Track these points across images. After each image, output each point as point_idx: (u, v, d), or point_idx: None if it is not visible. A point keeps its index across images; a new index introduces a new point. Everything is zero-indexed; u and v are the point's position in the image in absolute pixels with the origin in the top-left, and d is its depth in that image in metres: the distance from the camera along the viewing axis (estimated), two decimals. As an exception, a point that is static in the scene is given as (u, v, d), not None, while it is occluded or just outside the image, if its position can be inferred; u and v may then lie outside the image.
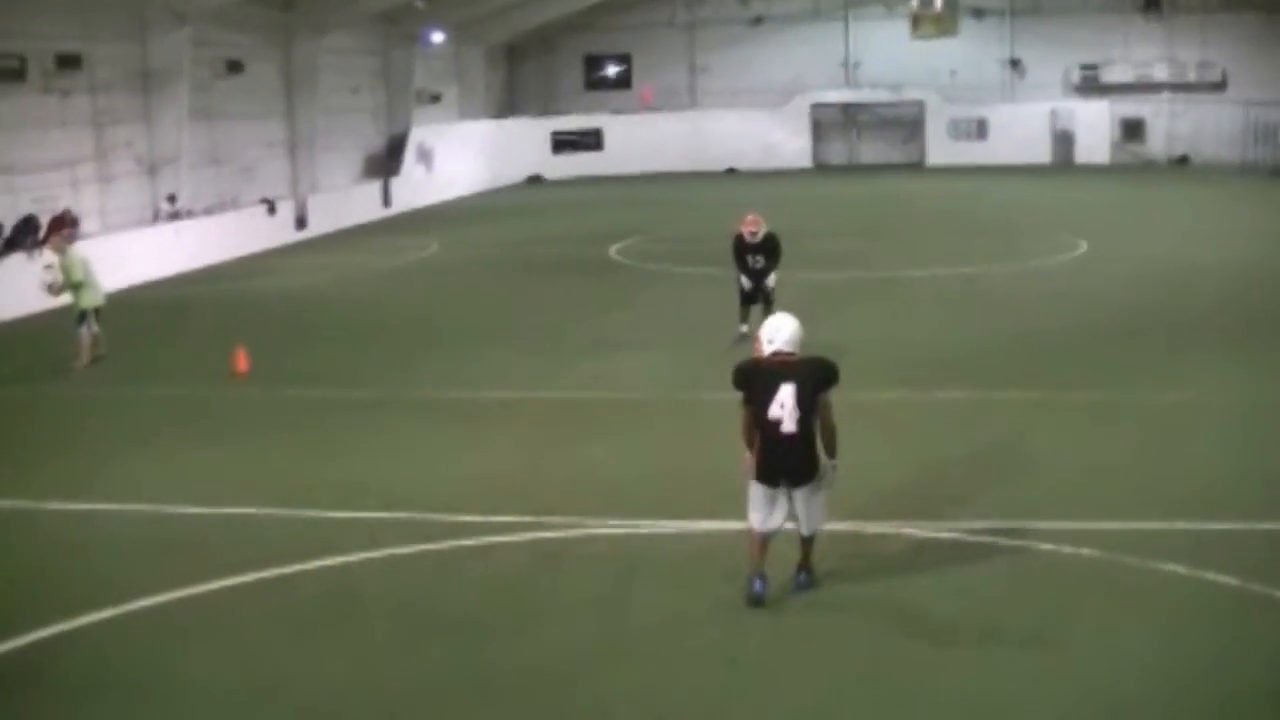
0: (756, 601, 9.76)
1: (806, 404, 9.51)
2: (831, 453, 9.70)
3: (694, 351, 20.06)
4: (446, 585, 10.63)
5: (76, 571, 11.31)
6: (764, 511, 9.83)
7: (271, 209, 37.46)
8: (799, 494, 9.72)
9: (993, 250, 30.73)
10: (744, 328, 19.83)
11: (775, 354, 9.73)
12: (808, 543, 10.07)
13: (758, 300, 19.88)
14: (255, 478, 14.03)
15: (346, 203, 42.88)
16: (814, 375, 9.63)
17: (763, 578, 9.87)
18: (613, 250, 32.84)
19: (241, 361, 19.30)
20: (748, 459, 9.78)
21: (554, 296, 26.37)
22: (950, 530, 11.41)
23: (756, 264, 19.95)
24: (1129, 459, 13.72)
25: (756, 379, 9.69)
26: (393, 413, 16.81)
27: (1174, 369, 18.03)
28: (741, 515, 10.19)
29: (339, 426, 16.18)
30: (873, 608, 9.88)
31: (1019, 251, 30.27)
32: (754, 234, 19.91)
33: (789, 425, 9.50)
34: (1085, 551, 10.77)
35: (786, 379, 9.56)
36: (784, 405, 9.49)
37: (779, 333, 9.79)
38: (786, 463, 9.63)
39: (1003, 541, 11.10)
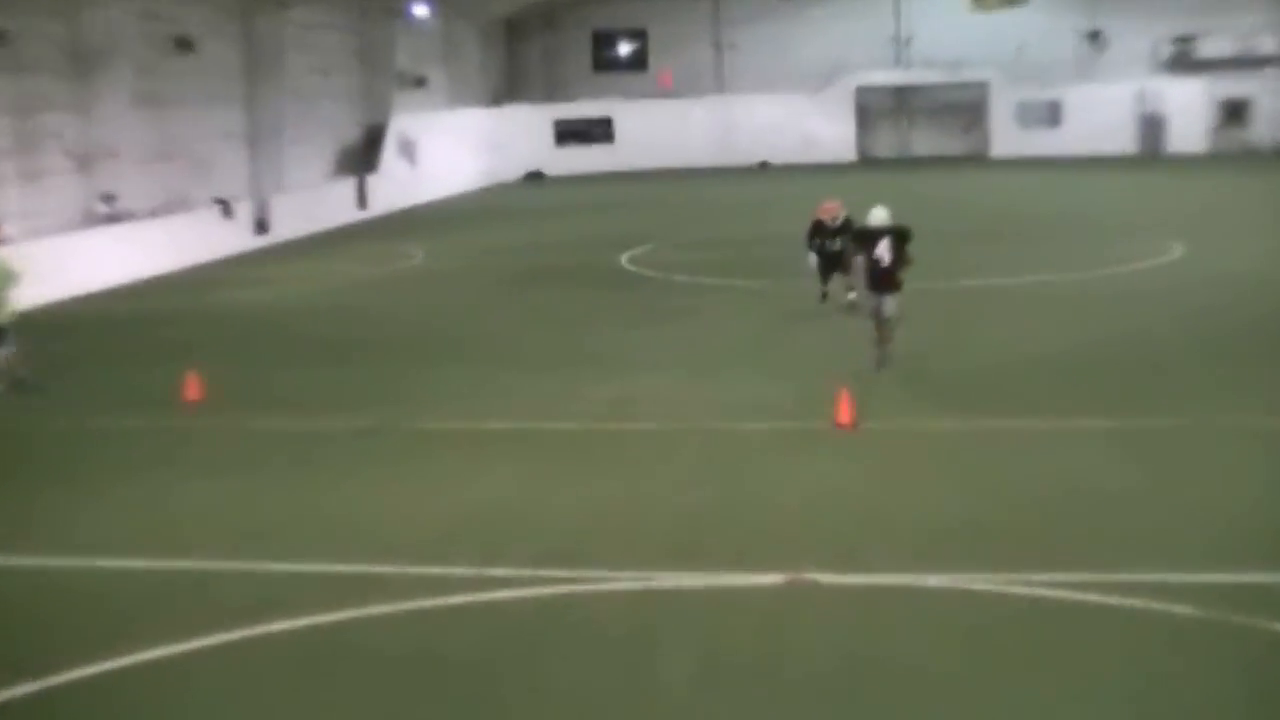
0: (880, 366, 19.41)
1: (895, 249, 19.40)
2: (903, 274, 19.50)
3: (721, 376, 20.05)
4: (443, 644, 10.58)
5: None
6: (873, 305, 19.68)
7: (228, 210, 37.60)
8: (887, 298, 19.40)
9: (1068, 256, 30.68)
10: (826, 289, 24.70)
11: (881, 227, 19.61)
12: (889, 325, 19.60)
13: (835, 270, 24.40)
14: (213, 524, 13.99)
15: (315, 203, 43.05)
16: (899, 233, 19.59)
17: (883, 351, 19.55)
18: (625, 258, 32.86)
19: (193, 388, 19.32)
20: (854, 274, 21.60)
21: (558, 313, 26.38)
22: (1021, 584, 11.33)
23: (833, 248, 24.15)
24: (1230, 497, 13.60)
25: (869, 235, 19.73)
26: (376, 447, 16.79)
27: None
28: (773, 565, 10.20)
29: (313, 463, 16.17)
30: (927, 676, 9.80)
31: (1100, 257, 30.22)
32: (834, 219, 24.29)
33: (885, 261, 19.41)
34: (1179, 609, 10.67)
35: (884, 235, 19.50)
36: (883, 249, 19.38)
37: (877, 219, 19.72)
38: (882, 282, 19.47)
39: (1082, 597, 11.02)
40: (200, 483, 15.52)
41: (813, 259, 24.49)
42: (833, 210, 24.38)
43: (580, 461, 15.83)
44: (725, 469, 15.19)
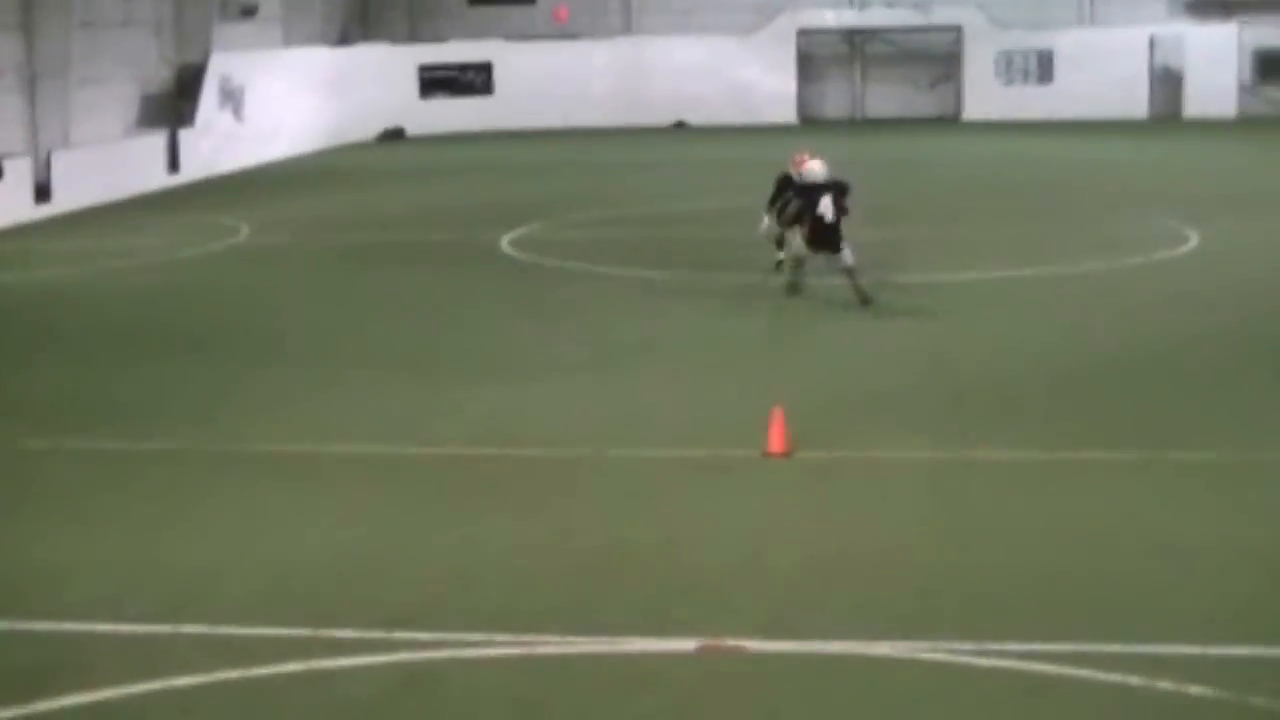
0: (794, 290, 25.35)
1: (838, 205, 24.10)
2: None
3: (625, 389, 20.10)
4: (259, 728, 10.56)
5: None
6: (806, 254, 24.99)
7: (-3, 170, 37.19)
8: (836, 255, 24.31)
9: (1064, 244, 31.03)
10: (781, 255, 26.82)
11: (822, 181, 24.53)
12: (852, 274, 24.31)
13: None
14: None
15: (113, 163, 42.59)
16: (839, 188, 24.41)
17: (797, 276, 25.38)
18: (506, 240, 32.83)
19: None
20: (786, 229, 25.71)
21: (420, 308, 26.29)
22: (992, 655, 11.42)
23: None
24: (1267, 548, 13.84)
25: (811, 192, 24.39)
26: (182, 474, 16.67)
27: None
28: (685, 628, 10.31)
29: (100, 494, 16.04)
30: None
31: (1096, 248, 30.53)
32: (802, 175, 25.85)
33: (829, 217, 24.05)
34: (1194, 689, 10.75)
35: (826, 192, 24.24)
36: (826, 206, 23.98)
37: (818, 175, 24.62)
38: (826, 237, 24.22)
39: (1066, 671, 11.13)
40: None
41: (765, 223, 26.92)
42: (803, 164, 26.13)
43: (446, 495, 15.81)
44: (627, 507, 15.23)
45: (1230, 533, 14.19)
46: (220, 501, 15.73)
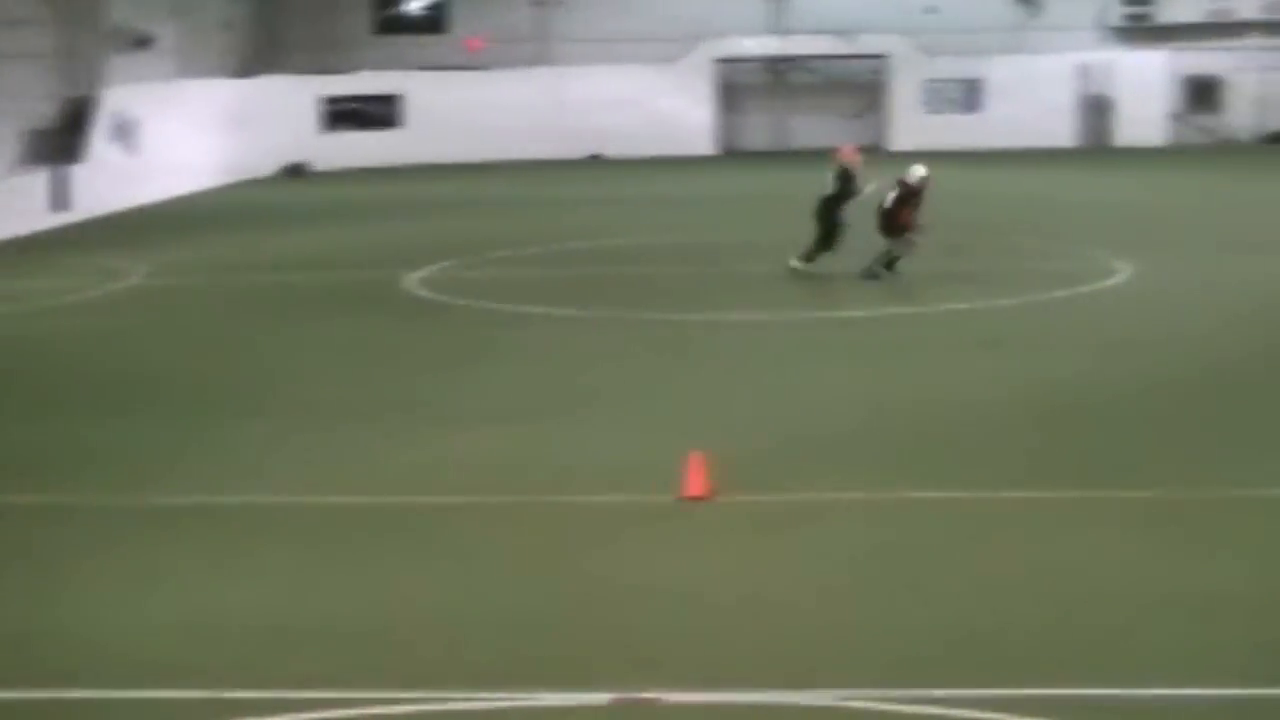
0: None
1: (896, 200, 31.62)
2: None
3: (544, 432, 20.04)
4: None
5: None
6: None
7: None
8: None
9: (991, 277, 31.24)
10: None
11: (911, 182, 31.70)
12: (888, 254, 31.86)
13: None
14: None
15: (-5, 202, 42.40)
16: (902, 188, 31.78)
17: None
18: (416, 279, 32.78)
19: None
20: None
21: (326, 351, 26.14)
22: (920, 702, 11.37)
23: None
24: (1221, 586, 13.80)
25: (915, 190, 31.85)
26: (86, 530, 16.39)
27: (1267, 451, 18.38)
28: (601, 681, 10.31)
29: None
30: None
31: (1030, 278, 30.79)
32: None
33: (886, 204, 30.96)
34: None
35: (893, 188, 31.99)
36: (890, 197, 31.39)
37: (919, 173, 30.90)
38: (882, 224, 31.68)
39: (996, 718, 11.12)
40: None
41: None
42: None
43: (369, 546, 15.64)
44: (561, 552, 15.15)
45: (1173, 570, 14.29)
46: (113, 559, 15.49)
